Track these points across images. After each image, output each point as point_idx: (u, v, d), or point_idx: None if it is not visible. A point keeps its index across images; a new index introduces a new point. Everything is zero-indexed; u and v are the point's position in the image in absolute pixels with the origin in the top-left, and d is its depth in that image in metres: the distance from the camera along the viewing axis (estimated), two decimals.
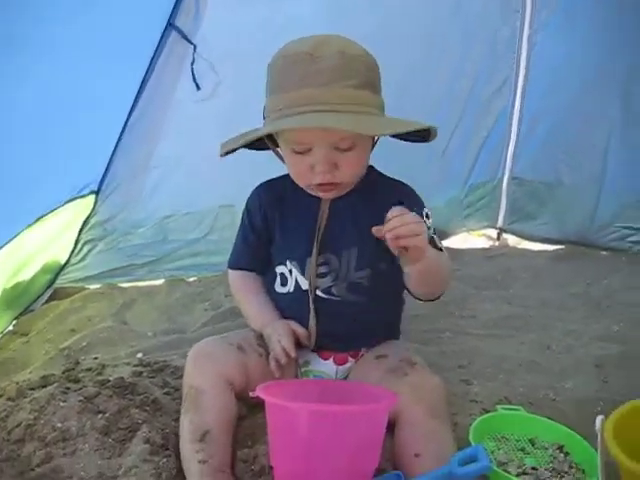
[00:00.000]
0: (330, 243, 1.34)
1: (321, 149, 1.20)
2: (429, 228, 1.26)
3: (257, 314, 1.43)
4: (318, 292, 1.36)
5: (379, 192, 1.34)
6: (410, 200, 1.32)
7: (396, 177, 1.42)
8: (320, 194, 1.31)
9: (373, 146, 1.32)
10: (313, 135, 1.19)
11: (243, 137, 1.26)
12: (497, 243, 3.00)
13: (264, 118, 1.25)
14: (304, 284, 1.37)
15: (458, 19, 2.57)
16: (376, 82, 1.24)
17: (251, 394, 1.13)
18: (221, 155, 1.27)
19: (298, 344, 1.34)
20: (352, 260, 1.34)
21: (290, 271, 1.39)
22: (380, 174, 1.40)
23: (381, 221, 1.17)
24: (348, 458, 1.02)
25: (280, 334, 1.32)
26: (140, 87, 2.20)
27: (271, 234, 1.41)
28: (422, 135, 1.27)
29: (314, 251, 1.34)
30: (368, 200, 1.33)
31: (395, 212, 1.10)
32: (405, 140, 1.30)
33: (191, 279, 2.49)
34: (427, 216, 1.31)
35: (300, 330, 1.35)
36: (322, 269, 1.35)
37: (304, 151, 1.22)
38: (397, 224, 1.08)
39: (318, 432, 1.03)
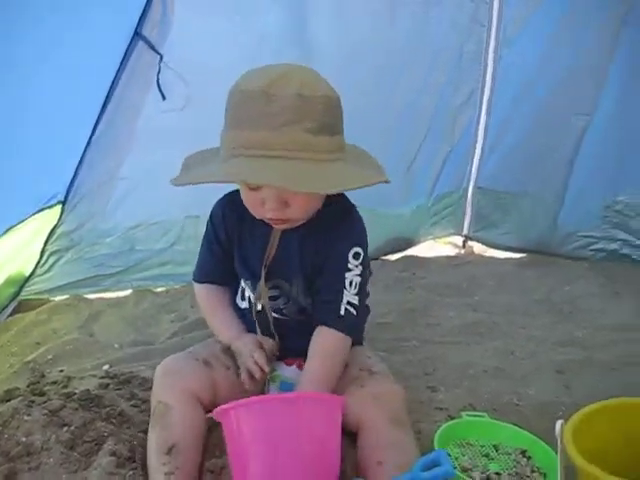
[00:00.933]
0: (279, 270, 1.36)
1: (270, 188, 1.19)
2: (349, 269, 1.31)
3: (224, 328, 1.43)
4: (271, 312, 1.38)
5: (326, 226, 1.33)
6: (343, 235, 1.34)
7: (364, 188, 1.42)
8: (272, 225, 1.31)
9: None
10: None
11: (193, 174, 1.24)
12: (463, 251, 3.04)
13: (220, 148, 1.23)
14: (256, 304, 1.40)
15: (425, 33, 2.60)
16: (335, 123, 1.20)
17: (208, 415, 1.13)
18: (174, 184, 1.23)
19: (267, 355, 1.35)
20: (300, 287, 1.36)
21: (244, 289, 1.42)
22: (338, 201, 1.36)
23: (322, 254, 1.30)
24: (297, 457, 1.01)
25: (251, 349, 1.33)
26: (107, 97, 2.18)
27: (232, 249, 1.42)
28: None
29: (262, 277, 1.35)
30: (315, 234, 1.33)
31: None
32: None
33: (158, 289, 2.48)
34: (356, 256, 1.33)
35: (267, 344, 1.37)
36: (273, 292, 1.37)
37: (255, 187, 1.21)
38: None
39: (255, 427, 1.02)
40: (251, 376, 1.31)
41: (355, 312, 1.31)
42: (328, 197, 1.31)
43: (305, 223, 1.31)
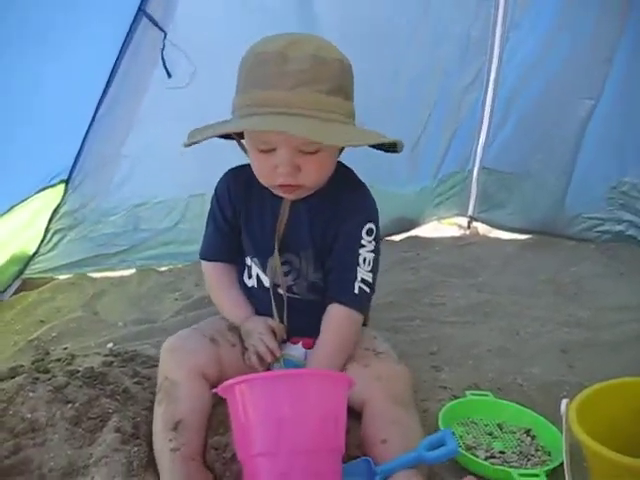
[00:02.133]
0: (290, 243, 1.35)
1: (285, 151, 1.19)
2: (363, 246, 1.31)
3: (233, 307, 1.43)
4: (280, 290, 1.37)
5: (336, 197, 1.33)
6: (355, 211, 1.34)
7: (369, 167, 1.42)
8: (281, 194, 1.30)
9: (341, 151, 1.32)
10: (278, 136, 1.18)
11: (210, 129, 1.24)
12: (467, 232, 3.03)
13: (232, 112, 1.24)
14: (265, 281, 1.39)
15: (431, 13, 2.57)
16: (348, 88, 1.22)
17: (212, 391, 1.13)
18: (185, 145, 1.24)
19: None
20: (310, 261, 1.35)
21: (250, 267, 1.41)
22: (345, 176, 1.37)
23: (333, 228, 1.30)
24: (301, 434, 1.00)
25: (261, 332, 1.34)
26: (110, 75, 2.17)
27: (239, 225, 1.41)
28: (390, 146, 1.27)
29: (275, 250, 1.34)
30: (325, 204, 1.33)
31: None
32: (376, 149, 1.30)
33: (162, 269, 2.48)
34: (369, 232, 1.33)
35: (277, 327, 1.36)
36: (284, 268, 1.36)
37: (268, 150, 1.21)
38: None
39: (259, 403, 1.02)
40: (261, 359, 1.31)
41: (368, 290, 1.32)
42: (336, 171, 1.32)
43: (314, 194, 1.31)
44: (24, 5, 1.74)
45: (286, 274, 1.37)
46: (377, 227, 1.35)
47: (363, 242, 1.31)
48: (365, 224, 1.33)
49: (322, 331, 1.31)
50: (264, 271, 1.39)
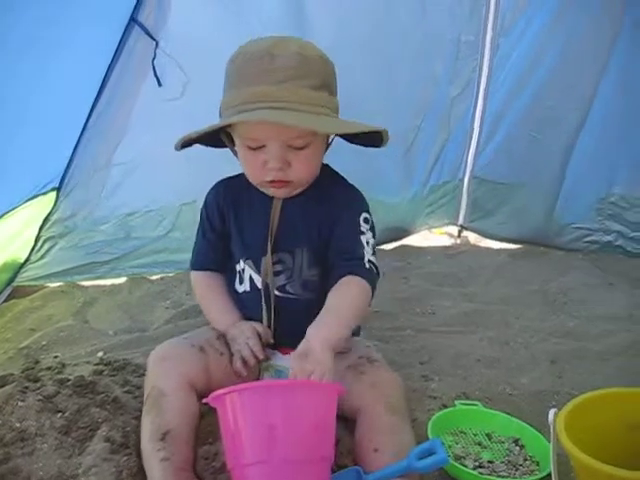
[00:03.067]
0: (283, 242, 1.36)
1: (274, 146, 1.22)
2: (363, 233, 1.33)
3: (220, 315, 1.44)
4: (274, 291, 1.38)
5: (327, 194, 1.36)
6: (349, 202, 1.37)
7: (360, 175, 1.44)
8: (272, 191, 1.32)
9: (327, 148, 1.35)
10: (267, 131, 1.21)
11: (199, 130, 1.26)
12: (458, 241, 3.04)
13: (220, 115, 1.27)
14: (259, 282, 1.39)
15: (423, 21, 2.59)
16: (333, 84, 1.27)
17: (203, 401, 1.13)
18: (176, 148, 1.28)
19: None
20: (304, 258, 1.36)
21: (243, 270, 1.41)
22: (332, 175, 1.41)
23: (327, 223, 1.32)
24: (291, 443, 1.00)
25: (247, 336, 1.34)
26: (102, 83, 2.17)
27: (228, 232, 1.42)
28: (375, 140, 1.30)
29: (268, 250, 1.35)
30: (317, 202, 1.35)
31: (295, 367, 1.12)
32: (360, 145, 1.34)
33: (153, 277, 2.47)
34: (366, 221, 1.35)
35: (263, 331, 1.37)
36: (276, 267, 1.37)
37: (258, 147, 1.24)
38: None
39: (249, 413, 1.02)
40: (244, 363, 1.31)
41: (376, 270, 1.31)
42: (323, 171, 1.36)
43: (303, 192, 1.34)
44: (16, 14, 1.74)
45: (279, 273, 1.37)
46: (371, 217, 1.38)
47: (362, 229, 1.33)
48: (361, 213, 1.35)
49: (330, 294, 1.26)
50: (258, 272, 1.39)
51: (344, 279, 1.27)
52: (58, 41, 1.90)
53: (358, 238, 1.32)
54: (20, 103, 1.91)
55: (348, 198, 1.38)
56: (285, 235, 1.36)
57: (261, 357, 1.32)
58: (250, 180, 1.32)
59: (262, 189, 1.33)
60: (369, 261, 1.30)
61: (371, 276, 1.29)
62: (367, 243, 1.32)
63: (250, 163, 1.29)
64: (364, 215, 1.35)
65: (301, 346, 1.15)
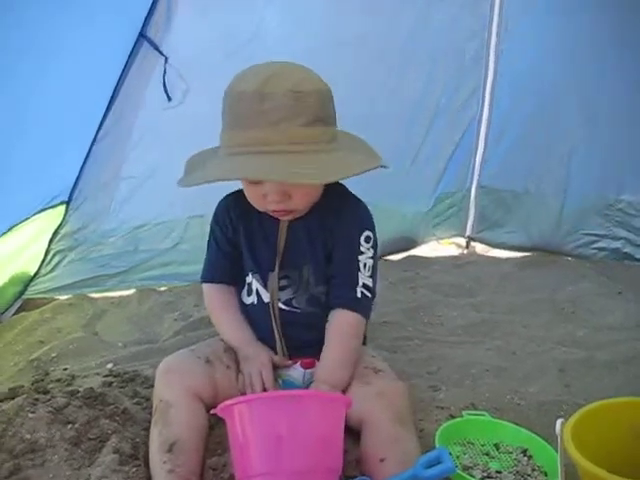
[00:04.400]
0: (290, 259, 1.38)
1: (272, 182, 1.23)
2: (362, 252, 1.35)
3: (233, 330, 1.44)
4: (280, 304, 1.39)
5: (333, 213, 1.37)
6: (353, 220, 1.38)
7: (366, 186, 1.45)
8: (277, 217, 1.34)
9: None
10: None
11: (195, 175, 1.27)
12: (466, 251, 3.04)
13: (220, 146, 1.28)
14: (265, 296, 1.40)
15: (426, 30, 2.60)
16: (329, 114, 1.25)
17: (211, 412, 1.14)
18: (179, 185, 1.28)
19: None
20: (311, 275, 1.38)
21: (251, 283, 1.42)
22: (340, 190, 1.41)
23: (332, 241, 1.34)
24: (299, 454, 1.01)
25: (263, 363, 1.35)
26: (111, 97, 2.19)
27: (239, 244, 1.43)
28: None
29: (276, 268, 1.37)
30: (322, 220, 1.36)
31: None
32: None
33: (162, 289, 2.48)
34: (367, 239, 1.36)
35: (279, 360, 1.39)
36: (283, 282, 1.39)
37: (257, 182, 1.25)
38: None
39: (258, 424, 1.03)
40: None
41: (370, 295, 1.35)
42: (327, 185, 1.34)
43: (310, 212, 1.35)
44: (24, 27, 1.77)
45: (285, 287, 1.39)
46: (374, 234, 1.38)
47: (362, 249, 1.35)
48: (363, 232, 1.36)
49: (327, 339, 1.33)
50: (265, 287, 1.40)
51: (336, 316, 1.34)
52: (68, 54, 1.92)
53: (355, 260, 1.34)
54: (29, 117, 1.93)
55: (352, 216, 1.38)
56: (292, 252, 1.38)
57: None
58: (255, 207, 1.34)
59: (268, 213, 1.34)
60: (363, 285, 1.33)
61: (361, 306, 1.34)
62: (364, 265, 1.34)
63: (251, 195, 1.31)
64: (366, 233, 1.36)
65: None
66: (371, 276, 1.35)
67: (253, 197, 1.30)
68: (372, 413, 1.20)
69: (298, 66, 1.25)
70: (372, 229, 1.38)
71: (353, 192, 1.43)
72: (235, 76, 1.25)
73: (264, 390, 1.31)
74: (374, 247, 1.37)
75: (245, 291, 1.45)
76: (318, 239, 1.37)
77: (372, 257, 1.36)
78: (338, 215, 1.36)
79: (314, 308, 1.39)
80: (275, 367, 1.37)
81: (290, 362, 1.40)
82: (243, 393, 1.32)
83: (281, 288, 1.39)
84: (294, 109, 1.16)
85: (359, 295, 1.33)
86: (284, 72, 1.21)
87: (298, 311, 1.39)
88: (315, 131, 1.19)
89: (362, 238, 1.36)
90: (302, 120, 1.17)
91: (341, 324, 1.33)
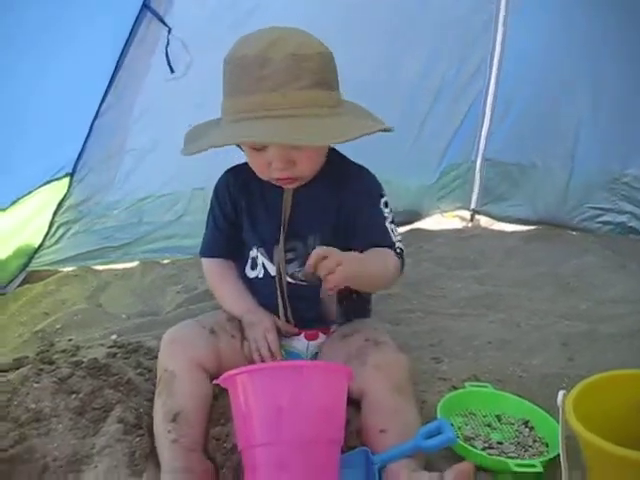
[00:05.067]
0: (295, 230, 1.37)
1: (276, 149, 1.21)
2: (387, 218, 1.35)
3: (234, 300, 1.44)
4: (287, 277, 1.38)
5: (341, 180, 1.36)
6: (368, 188, 1.38)
7: (371, 158, 1.44)
8: (281, 185, 1.32)
9: None
10: None
11: (199, 142, 1.25)
12: (470, 224, 3.03)
13: (222, 115, 1.26)
14: (272, 270, 1.40)
15: (434, 3, 2.57)
16: (331, 78, 1.23)
17: (214, 382, 1.15)
18: (183, 154, 1.27)
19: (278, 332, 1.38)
20: (317, 245, 1.35)
21: (256, 257, 1.42)
22: (342, 159, 1.40)
23: (345, 209, 1.32)
24: (301, 424, 1.02)
25: (267, 329, 1.35)
26: (114, 70, 2.18)
27: (240, 220, 1.43)
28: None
29: (281, 239, 1.36)
30: (329, 187, 1.35)
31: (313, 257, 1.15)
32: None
33: (165, 261, 2.49)
34: (386, 205, 1.37)
35: (282, 325, 1.39)
36: (289, 255, 1.38)
37: (260, 148, 1.24)
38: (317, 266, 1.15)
39: (260, 394, 1.04)
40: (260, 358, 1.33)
41: (402, 254, 1.35)
42: (330, 154, 1.34)
43: (314, 179, 1.33)
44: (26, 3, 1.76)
45: (291, 260, 1.38)
46: (388, 198, 1.39)
47: (385, 214, 1.36)
48: (381, 198, 1.37)
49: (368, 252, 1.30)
50: (271, 260, 1.40)
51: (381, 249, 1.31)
52: (71, 27, 1.91)
53: (385, 226, 1.35)
54: (33, 89, 1.93)
55: (365, 183, 1.38)
56: (298, 223, 1.37)
57: (278, 358, 1.33)
58: (258, 176, 1.32)
59: (272, 182, 1.33)
60: (399, 248, 1.34)
61: (401, 259, 1.33)
62: (392, 230, 1.35)
63: (255, 163, 1.29)
64: (384, 199, 1.37)
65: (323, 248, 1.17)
66: (399, 239, 1.36)
67: (257, 165, 1.29)
68: (372, 385, 1.21)
69: (300, 31, 1.23)
70: (384, 193, 1.39)
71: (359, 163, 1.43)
72: (236, 42, 1.23)
73: (271, 353, 1.32)
74: (391, 210, 1.38)
75: (249, 265, 1.44)
76: (327, 206, 1.36)
77: (393, 221, 1.37)
78: (348, 181, 1.36)
79: (320, 282, 1.38)
80: (279, 333, 1.37)
81: (295, 328, 1.40)
82: (250, 360, 1.33)
83: (287, 261, 1.38)
84: (294, 72, 1.15)
85: (398, 251, 1.33)
86: (285, 36, 1.19)
87: (305, 284, 1.39)
88: (317, 94, 1.18)
89: (382, 204, 1.36)
90: (303, 83, 1.16)
91: (384, 251, 1.31)
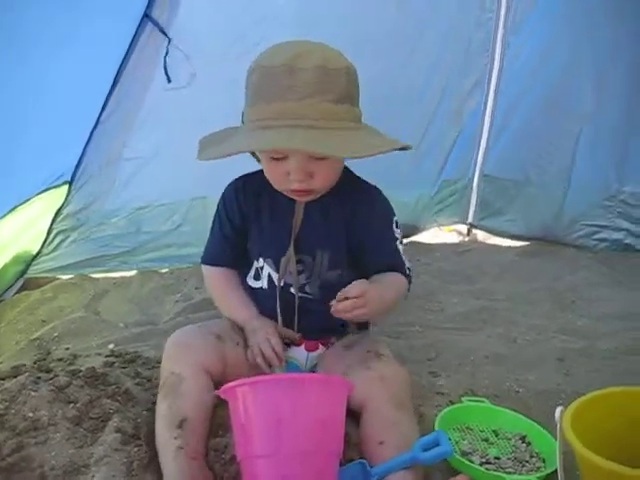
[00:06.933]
0: (304, 243, 1.37)
1: (296, 159, 1.22)
2: (397, 239, 1.39)
3: (237, 308, 1.44)
4: (292, 290, 1.39)
5: (351, 197, 1.37)
6: (379, 207, 1.40)
7: (370, 172, 1.45)
8: (295, 197, 1.33)
9: None
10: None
11: (222, 147, 1.24)
12: (467, 239, 3.04)
13: (242, 122, 1.27)
14: (277, 281, 1.40)
15: (433, 19, 2.60)
16: (354, 93, 1.25)
17: (215, 392, 1.15)
18: (200, 159, 1.26)
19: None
20: (325, 260, 1.38)
21: (261, 268, 1.42)
22: (354, 178, 1.42)
23: (355, 226, 1.34)
24: (301, 437, 1.02)
25: (269, 332, 1.35)
26: (115, 78, 2.18)
27: (247, 230, 1.43)
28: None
29: (291, 251, 1.36)
30: (341, 204, 1.36)
31: (342, 295, 1.22)
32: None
33: (163, 270, 2.49)
34: (396, 225, 1.40)
35: (283, 330, 1.39)
36: (297, 267, 1.38)
37: (280, 158, 1.24)
38: (345, 307, 1.22)
39: (260, 406, 1.04)
40: (266, 361, 1.33)
41: (411, 274, 1.41)
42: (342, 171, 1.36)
43: (326, 195, 1.34)
44: (27, 4, 1.76)
45: (299, 273, 1.38)
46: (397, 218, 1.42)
47: (396, 235, 1.39)
48: (392, 218, 1.40)
49: (379, 277, 1.36)
50: (277, 271, 1.40)
51: (389, 273, 1.37)
52: (72, 34, 1.92)
53: (396, 247, 1.39)
54: (33, 96, 1.93)
55: (376, 203, 1.40)
56: (307, 237, 1.37)
57: (282, 360, 1.33)
58: (274, 186, 1.32)
59: (285, 194, 1.33)
60: (408, 268, 1.39)
61: (409, 281, 1.40)
62: (402, 251, 1.39)
63: (273, 173, 1.29)
64: (394, 219, 1.40)
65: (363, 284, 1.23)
66: (406, 259, 1.40)
67: (275, 175, 1.29)
68: (372, 397, 1.21)
69: (327, 45, 1.25)
70: (394, 212, 1.42)
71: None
72: (261, 53, 1.24)
73: (275, 354, 1.32)
74: (400, 230, 1.42)
75: (252, 275, 1.45)
76: (337, 222, 1.37)
77: (401, 240, 1.41)
78: (359, 200, 1.37)
79: (326, 294, 1.36)
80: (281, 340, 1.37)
81: (296, 334, 1.40)
82: (254, 367, 1.33)
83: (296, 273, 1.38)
84: (323, 85, 1.16)
85: (408, 273, 1.39)
86: (314, 49, 1.21)
87: (310, 296, 1.40)
88: (344, 109, 1.19)
89: (393, 225, 1.40)
90: (331, 96, 1.17)
91: (393, 275, 1.37)
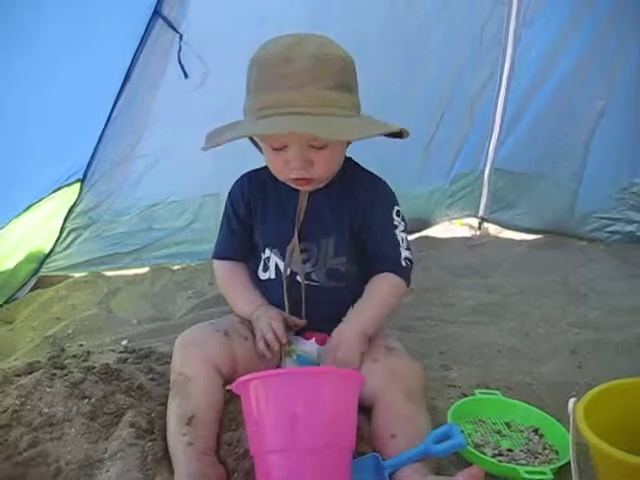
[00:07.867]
0: (309, 232, 1.38)
1: (296, 147, 1.24)
2: (397, 227, 1.39)
3: (244, 301, 1.45)
4: (298, 278, 1.40)
5: (355, 186, 1.39)
6: (380, 196, 1.41)
7: (381, 166, 1.46)
8: (297, 187, 1.35)
9: (349, 143, 1.37)
10: (287, 135, 1.22)
11: (226, 133, 1.28)
12: (478, 232, 3.04)
13: (244, 114, 1.29)
14: (284, 270, 1.40)
15: (445, 14, 2.59)
16: (351, 82, 1.27)
17: (227, 387, 1.15)
18: (204, 149, 1.29)
19: (287, 327, 1.38)
20: (330, 248, 1.38)
21: (268, 258, 1.43)
22: (357, 167, 1.44)
23: (358, 215, 1.35)
24: (313, 430, 1.02)
25: (271, 317, 1.36)
26: (126, 76, 2.19)
27: (253, 223, 1.44)
28: (397, 133, 1.31)
29: (295, 240, 1.37)
30: (344, 193, 1.38)
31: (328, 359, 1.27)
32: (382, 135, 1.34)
33: (175, 267, 2.51)
34: (398, 214, 1.40)
35: (288, 317, 1.40)
36: (302, 256, 1.39)
37: (280, 147, 1.26)
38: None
39: (272, 400, 1.04)
40: (267, 346, 1.33)
41: (411, 265, 1.39)
42: (346, 163, 1.39)
43: (329, 184, 1.36)
44: (38, 3, 1.77)
45: (305, 262, 1.39)
46: (401, 209, 1.42)
47: (395, 223, 1.39)
48: (393, 207, 1.40)
49: (366, 291, 1.37)
50: (283, 261, 1.41)
51: (379, 278, 1.37)
52: (83, 32, 1.93)
53: (393, 235, 1.38)
54: (44, 95, 1.94)
55: (378, 191, 1.41)
56: (312, 225, 1.39)
57: (284, 341, 1.33)
58: (276, 176, 1.35)
59: (288, 183, 1.35)
60: (405, 258, 1.38)
61: (406, 272, 1.38)
62: (402, 239, 1.39)
63: (274, 162, 1.32)
64: (396, 208, 1.40)
65: (335, 338, 1.27)
66: (407, 248, 1.40)
67: (275, 164, 1.31)
68: (384, 390, 1.21)
69: (323, 36, 1.27)
70: (398, 203, 1.42)
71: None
72: (260, 46, 1.26)
73: (276, 337, 1.32)
74: (404, 220, 1.42)
75: (261, 267, 1.46)
76: (342, 210, 1.38)
77: (404, 230, 1.40)
78: (363, 189, 1.39)
79: (333, 282, 1.40)
80: (287, 327, 1.38)
81: (302, 320, 1.41)
82: (265, 363, 1.34)
83: (301, 262, 1.39)
84: (319, 72, 1.19)
85: (404, 264, 1.38)
86: (309, 38, 1.23)
87: (317, 284, 1.40)
88: (340, 96, 1.21)
89: (394, 213, 1.39)
90: (326, 83, 1.19)
91: (383, 281, 1.37)
